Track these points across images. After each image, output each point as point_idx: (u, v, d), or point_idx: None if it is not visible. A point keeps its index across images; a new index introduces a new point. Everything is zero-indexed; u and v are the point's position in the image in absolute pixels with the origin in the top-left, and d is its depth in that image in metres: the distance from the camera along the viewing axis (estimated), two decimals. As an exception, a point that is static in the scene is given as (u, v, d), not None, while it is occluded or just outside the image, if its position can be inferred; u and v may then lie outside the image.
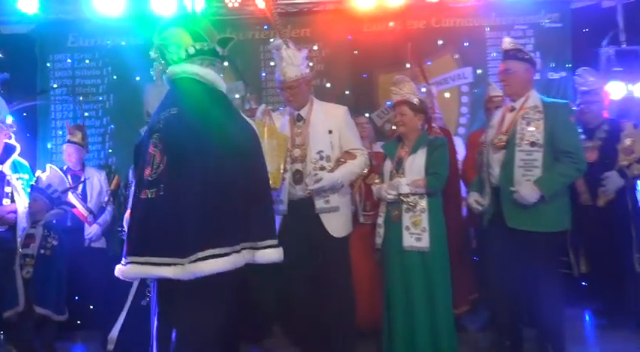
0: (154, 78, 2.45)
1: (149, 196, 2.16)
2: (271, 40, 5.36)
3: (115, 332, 3.67)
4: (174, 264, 2.07)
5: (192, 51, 2.30)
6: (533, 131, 3.09)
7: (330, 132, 3.30)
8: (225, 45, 2.42)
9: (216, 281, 2.06)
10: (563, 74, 5.28)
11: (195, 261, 2.04)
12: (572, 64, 5.26)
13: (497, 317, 3.51)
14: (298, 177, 3.25)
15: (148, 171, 2.19)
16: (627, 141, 3.82)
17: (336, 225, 3.27)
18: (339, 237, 3.27)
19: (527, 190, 3.01)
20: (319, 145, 3.27)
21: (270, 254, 2.22)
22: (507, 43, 3.33)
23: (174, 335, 2.23)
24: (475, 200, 3.35)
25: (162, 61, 2.37)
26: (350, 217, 3.45)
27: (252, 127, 2.35)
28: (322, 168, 3.22)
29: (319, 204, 3.23)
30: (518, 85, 3.24)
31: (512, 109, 3.24)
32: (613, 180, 3.75)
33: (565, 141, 3.06)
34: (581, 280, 4.23)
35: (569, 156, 3.05)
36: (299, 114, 3.38)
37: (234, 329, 2.41)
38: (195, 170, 2.11)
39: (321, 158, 3.25)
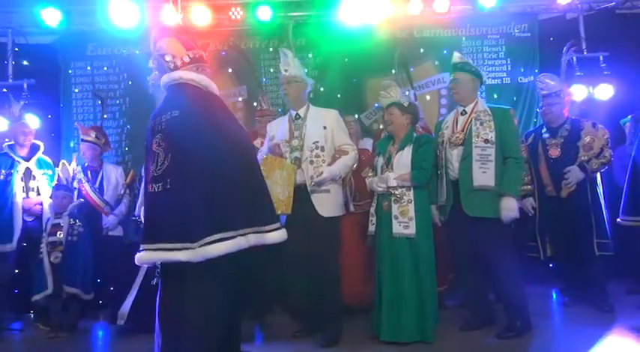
0: (150, 84, 2.44)
1: (156, 190, 2.18)
2: (270, 49, 5.38)
3: (125, 309, 3.65)
4: (185, 249, 2.08)
5: (187, 59, 2.32)
6: (487, 131, 3.24)
7: (325, 127, 3.40)
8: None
9: (221, 262, 2.09)
10: (532, 78, 5.27)
11: (203, 245, 2.07)
12: (539, 69, 5.25)
13: (468, 296, 3.56)
14: (297, 164, 3.32)
15: (152, 168, 2.22)
16: (586, 139, 3.82)
17: (326, 206, 3.32)
18: (328, 217, 3.31)
19: (507, 203, 3.12)
20: (315, 136, 3.36)
21: (276, 235, 2.26)
22: (457, 57, 3.49)
23: (177, 312, 2.21)
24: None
25: (157, 71, 2.39)
26: (340, 201, 3.48)
27: (244, 128, 2.42)
28: (317, 156, 3.32)
29: (311, 187, 3.29)
30: (465, 93, 3.40)
31: (464, 113, 3.39)
32: (574, 174, 3.75)
33: (510, 147, 3.25)
34: (549, 262, 4.23)
35: (515, 160, 3.23)
36: (297, 114, 3.47)
37: (237, 306, 2.39)
38: (198, 165, 2.13)
39: (317, 147, 3.34)
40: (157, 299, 2.33)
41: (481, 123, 3.26)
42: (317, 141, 3.34)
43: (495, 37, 5.40)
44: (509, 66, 5.38)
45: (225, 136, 2.19)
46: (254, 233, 2.18)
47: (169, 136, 2.20)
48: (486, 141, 3.22)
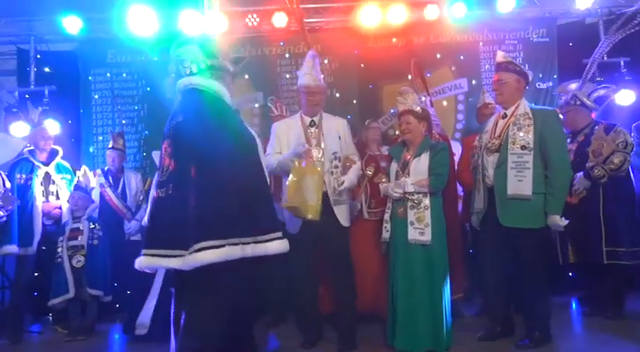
0: (166, 89, 2.45)
1: (160, 195, 2.18)
2: (287, 55, 5.40)
3: (145, 318, 3.64)
4: (179, 256, 2.06)
5: (203, 66, 2.32)
6: (524, 136, 3.09)
7: (340, 138, 3.42)
8: (237, 63, 2.47)
9: (220, 271, 2.04)
10: (550, 84, 5.22)
11: (192, 253, 2.04)
12: (558, 75, 5.17)
13: (490, 306, 3.48)
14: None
15: (159, 173, 2.24)
16: (595, 144, 3.73)
17: (345, 216, 3.39)
18: (346, 226, 3.38)
19: (553, 221, 3.04)
20: (334, 147, 3.38)
21: (276, 245, 2.18)
22: (500, 56, 3.33)
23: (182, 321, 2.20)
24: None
25: (174, 75, 2.39)
26: (349, 211, 3.53)
27: (252, 134, 2.33)
28: (336, 167, 3.34)
29: (334, 197, 3.32)
30: (509, 94, 3.23)
31: (505, 116, 3.24)
32: (579, 181, 3.70)
33: (552, 156, 3.07)
34: (568, 270, 4.15)
35: (558, 169, 3.06)
36: (312, 121, 3.44)
37: (248, 316, 2.35)
38: (198, 172, 2.11)
39: (335, 158, 3.36)
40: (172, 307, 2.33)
41: (519, 128, 3.10)
42: (336, 152, 3.36)
43: (513, 42, 5.35)
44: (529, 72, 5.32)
45: (228, 142, 2.16)
46: (252, 242, 2.12)
47: (173, 142, 2.21)
48: (523, 147, 3.06)
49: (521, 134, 3.09)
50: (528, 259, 3.10)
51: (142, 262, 2.17)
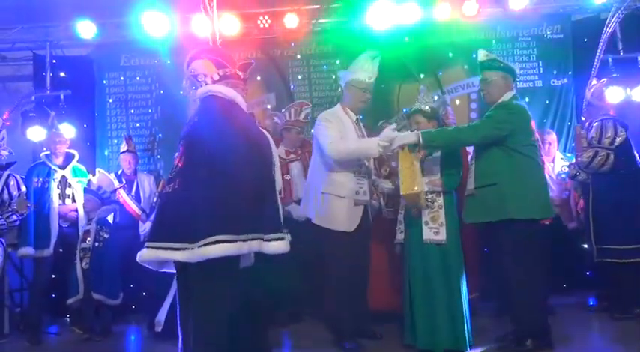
0: (189, 100, 2.55)
1: (167, 190, 2.24)
2: (298, 56, 5.40)
3: (161, 316, 3.69)
4: (184, 249, 2.10)
5: (216, 77, 2.44)
6: None
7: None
8: (244, 69, 2.57)
9: (224, 266, 2.09)
10: (565, 81, 5.16)
11: (202, 246, 2.07)
12: (573, 71, 5.11)
13: (503, 306, 3.46)
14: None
15: (171, 171, 2.32)
16: (576, 142, 3.82)
17: (370, 214, 3.44)
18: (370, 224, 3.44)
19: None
20: None
21: (277, 245, 2.22)
22: (482, 54, 3.25)
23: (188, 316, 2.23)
24: None
25: (193, 88, 2.49)
26: None
27: (265, 136, 2.42)
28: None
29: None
30: (497, 92, 3.15)
31: None
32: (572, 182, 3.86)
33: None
34: (587, 269, 4.13)
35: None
36: (357, 118, 3.48)
37: (259, 314, 2.39)
38: (206, 168, 2.17)
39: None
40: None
41: None
42: None
43: (527, 39, 5.30)
44: (541, 68, 5.27)
45: (239, 143, 2.22)
46: (258, 239, 2.17)
47: (186, 143, 2.29)
48: None
49: None
50: (504, 252, 3.03)
51: (144, 255, 2.20)
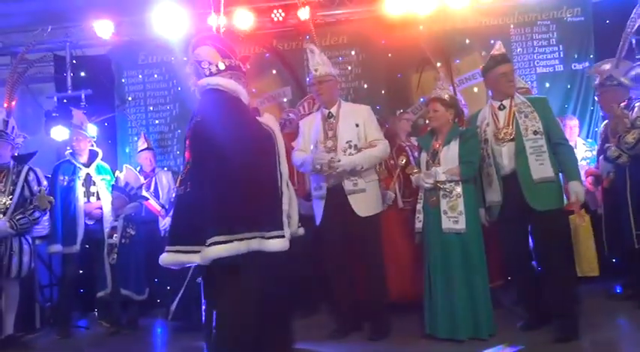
0: (191, 90, 2.51)
1: (180, 192, 2.27)
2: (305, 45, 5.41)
3: (173, 306, 3.85)
4: (198, 252, 2.14)
5: (222, 67, 2.36)
6: (532, 122, 3.14)
7: (357, 125, 3.38)
8: (244, 63, 2.50)
9: (241, 265, 2.11)
10: (586, 64, 5.03)
11: (206, 248, 2.11)
12: (594, 54, 5.00)
13: (522, 296, 3.44)
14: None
15: (182, 171, 2.32)
16: (613, 123, 3.63)
17: (363, 205, 3.33)
18: (364, 216, 3.31)
19: (577, 188, 3.08)
20: (347, 136, 3.36)
21: (276, 243, 2.20)
22: (498, 48, 3.34)
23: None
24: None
25: (194, 76, 2.44)
26: (378, 199, 3.48)
27: (267, 131, 2.35)
28: (351, 156, 3.31)
29: (348, 186, 3.32)
30: (516, 83, 3.35)
31: (502, 108, 3.24)
32: (602, 164, 3.72)
33: (558, 134, 3.19)
34: (612, 257, 4.06)
35: (566, 145, 3.19)
36: (330, 112, 3.46)
37: (283, 306, 2.40)
38: (213, 169, 2.17)
39: (350, 146, 3.34)
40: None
41: (526, 116, 3.15)
42: (350, 141, 3.34)
43: (546, 23, 5.18)
44: (561, 53, 5.16)
45: (242, 141, 2.21)
46: (257, 238, 2.17)
47: (193, 141, 2.28)
48: (535, 132, 3.12)
49: (529, 121, 3.14)
50: (559, 241, 3.07)
51: (165, 259, 2.25)
